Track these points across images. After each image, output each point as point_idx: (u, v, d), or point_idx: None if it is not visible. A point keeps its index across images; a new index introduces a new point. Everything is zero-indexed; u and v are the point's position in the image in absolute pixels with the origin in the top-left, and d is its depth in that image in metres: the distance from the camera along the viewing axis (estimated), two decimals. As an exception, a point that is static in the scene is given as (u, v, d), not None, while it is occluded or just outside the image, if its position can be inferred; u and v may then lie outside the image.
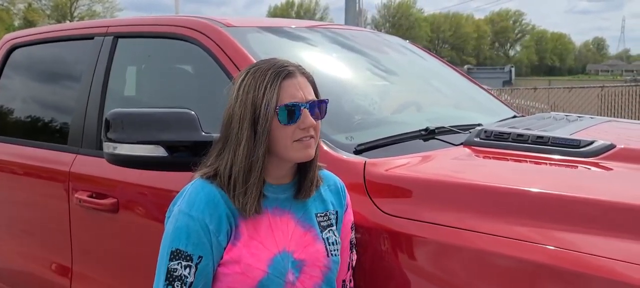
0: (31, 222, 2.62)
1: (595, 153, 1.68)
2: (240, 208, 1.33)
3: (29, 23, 45.25)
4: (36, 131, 2.76)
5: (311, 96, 1.38)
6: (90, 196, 2.22)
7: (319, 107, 1.39)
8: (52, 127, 2.71)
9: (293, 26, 2.50)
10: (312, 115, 1.36)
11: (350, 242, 1.52)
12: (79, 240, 2.34)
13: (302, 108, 1.34)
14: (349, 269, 1.52)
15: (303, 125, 1.34)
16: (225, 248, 1.34)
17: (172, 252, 1.32)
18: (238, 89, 1.37)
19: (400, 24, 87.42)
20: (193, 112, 1.69)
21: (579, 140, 1.75)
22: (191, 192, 1.36)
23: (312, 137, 1.37)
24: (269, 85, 1.33)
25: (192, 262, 1.31)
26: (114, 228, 2.19)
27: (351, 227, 1.53)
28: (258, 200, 1.35)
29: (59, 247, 2.42)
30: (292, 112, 1.34)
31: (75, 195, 2.27)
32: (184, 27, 2.18)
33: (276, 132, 1.34)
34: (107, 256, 2.26)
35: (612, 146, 1.70)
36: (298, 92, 1.35)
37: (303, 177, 1.42)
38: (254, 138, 1.33)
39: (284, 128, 1.34)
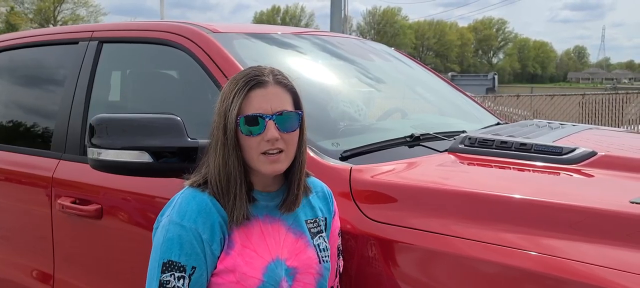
0: (12, 228, 2.58)
1: (577, 160, 1.71)
2: (229, 216, 1.33)
3: (11, 27, 44.63)
4: (19, 136, 2.73)
5: (283, 107, 1.33)
6: (74, 202, 2.19)
7: (291, 119, 1.34)
8: (34, 132, 2.67)
9: (279, 33, 2.51)
10: (282, 127, 1.32)
11: (338, 248, 1.53)
12: (61, 247, 2.31)
13: (266, 120, 1.31)
14: (336, 275, 1.52)
15: (266, 138, 1.31)
16: (218, 258, 1.33)
17: (164, 264, 1.30)
18: (220, 97, 1.37)
19: (385, 31, 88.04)
20: (179, 118, 1.68)
21: (561, 148, 1.77)
22: (182, 201, 1.34)
23: (281, 150, 1.33)
24: (236, 95, 1.31)
25: (185, 273, 1.29)
26: (98, 235, 2.17)
27: (338, 233, 1.53)
28: (246, 207, 1.34)
29: (40, 254, 2.39)
30: (253, 124, 1.30)
31: (58, 201, 2.24)
32: (170, 32, 2.17)
33: (243, 143, 1.33)
34: (90, 263, 2.24)
35: (593, 153, 1.73)
36: (265, 103, 1.32)
37: (288, 188, 1.40)
38: (225, 147, 1.32)
39: (249, 139, 1.32)
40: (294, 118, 1.35)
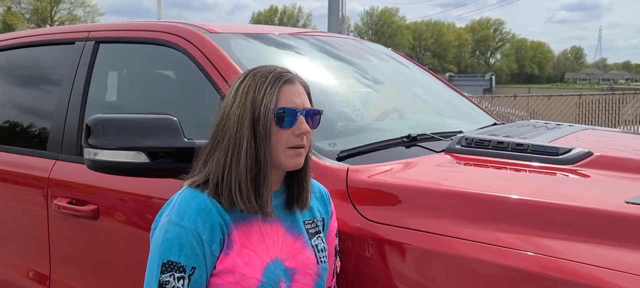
0: (8, 228, 2.57)
1: (573, 160, 1.71)
2: (261, 212, 1.32)
3: (7, 27, 44.54)
4: (15, 136, 2.72)
5: (307, 104, 1.39)
6: (70, 202, 2.19)
7: (312, 116, 1.40)
8: (31, 133, 2.67)
9: (277, 33, 2.51)
10: (306, 123, 1.37)
11: (335, 248, 1.53)
12: (57, 248, 2.31)
13: (298, 114, 1.35)
14: (333, 276, 1.52)
15: (298, 131, 1.34)
16: (218, 258, 1.32)
17: (163, 264, 1.29)
18: (237, 91, 1.36)
19: (382, 31, 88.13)
20: (175, 118, 1.68)
21: (558, 148, 1.78)
22: (181, 201, 1.33)
23: (303, 146, 1.37)
24: (269, 88, 1.34)
25: (185, 274, 1.29)
26: (94, 235, 2.16)
27: (336, 234, 1.53)
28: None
29: (37, 255, 2.38)
30: (289, 117, 1.34)
31: (54, 202, 2.24)
32: (166, 32, 2.17)
33: (272, 136, 1.34)
34: (87, 263, 2.23)
35: (589, 154, 1.74)
36: (296, 98, 1.36)
37: (299, 187, 1.42)
38: (255, 139, 1.32)
39: (280, 132, 1.34)
40: (316, 115, 1.41)
